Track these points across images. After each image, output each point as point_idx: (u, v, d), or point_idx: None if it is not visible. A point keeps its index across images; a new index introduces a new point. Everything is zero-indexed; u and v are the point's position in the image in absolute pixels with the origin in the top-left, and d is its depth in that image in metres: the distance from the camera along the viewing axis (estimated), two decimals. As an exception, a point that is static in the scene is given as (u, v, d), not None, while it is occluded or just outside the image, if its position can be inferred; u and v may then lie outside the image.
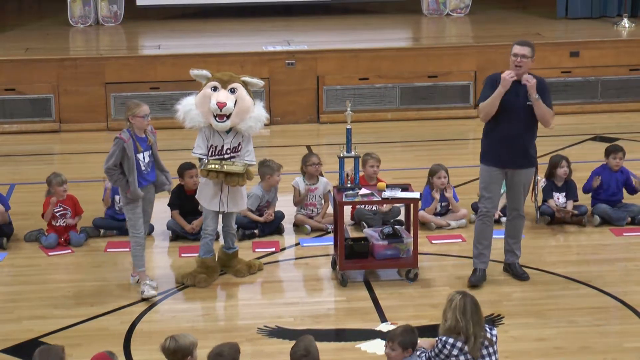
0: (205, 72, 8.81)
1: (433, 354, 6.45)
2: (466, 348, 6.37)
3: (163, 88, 13.77)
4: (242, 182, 8.80)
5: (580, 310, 8.39)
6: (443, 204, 10.29)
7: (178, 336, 6.44)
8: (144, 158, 8.63)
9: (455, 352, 6.36)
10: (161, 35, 15.50)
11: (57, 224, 9.92)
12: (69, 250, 9.79)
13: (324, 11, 16.78)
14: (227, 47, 14.33)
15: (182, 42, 14.87)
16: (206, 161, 8.72)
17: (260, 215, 10.05)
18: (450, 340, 6.39)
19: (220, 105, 8.63)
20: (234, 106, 8.66)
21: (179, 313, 8.51)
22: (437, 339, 6.47)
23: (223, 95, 8.67)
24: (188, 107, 8.76)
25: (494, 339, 6.48)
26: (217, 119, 8.67)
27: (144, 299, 8.64)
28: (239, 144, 8.85)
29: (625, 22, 15.24)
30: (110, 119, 13.79)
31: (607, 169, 10.33)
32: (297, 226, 10.20)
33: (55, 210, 9.92)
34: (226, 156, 8.80)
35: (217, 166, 8.67)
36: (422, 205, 9.88)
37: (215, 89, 8.72)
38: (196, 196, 8.93)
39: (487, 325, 6.50)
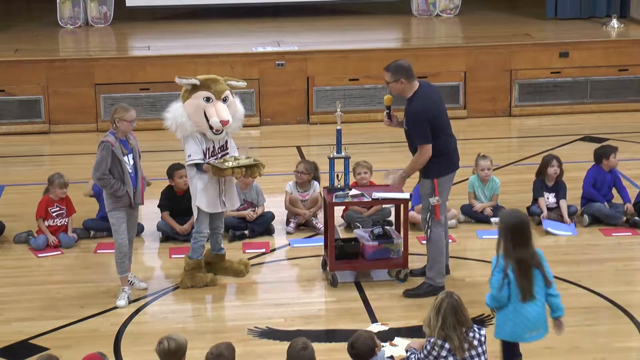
0: (193, 80, 8.76)
1: (422, 355, 6.44)
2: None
3: (153, 89, 13.76)
4: (262, 172, 8.90)
5: (570, 310, 8.36)
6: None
7: (173, 336, 6.47)
8: (128, 161, 8.61)
9: (444, 353, 6.35)
10: (151, 36, 15.49)
11: (53, 224, 9.90)
12: (59, 252, 9.76)
13: (314, 12, 16.78)
14: (216, 48, 14.33)
15: (171, 43, 14.86)
16: (214, 163, 8.66)
17: (242, 217, 10.04)
18: (439, 342, 6.36)
19: (225, 124, 8.66)
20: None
21: (169, 314, 8.50)
22: (426, 340, 6.46)
23: (224, 111, 8.68)
24: (180, 118, 8.67)
25: (483, 339, 6.47)
26: (214, 131, 8.68)
27: (130, 301, 8.63)
28: (226, 142, 8.88)
29: (614, 23, 15.28)
30: (99, 120, 13.77)
31: (600, 170, 10.35)
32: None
33: (52, 210, 9.91)
34: (219, 155, 8.81)
35: (232, 163, 8.66)
36: (412, 203, 9.87)
37: (208, 99, 8.70)
38: (196, 203, 8.83)
39: (475, 326, 6.47)
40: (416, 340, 6.87)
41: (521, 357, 7.04)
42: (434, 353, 6.37)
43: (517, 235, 6.72)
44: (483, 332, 6.51)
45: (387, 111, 8.78)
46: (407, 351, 6.71)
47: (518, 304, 6.74)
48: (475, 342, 6.41)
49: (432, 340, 6.39)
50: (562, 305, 6.87)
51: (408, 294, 8.73)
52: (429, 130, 8.46)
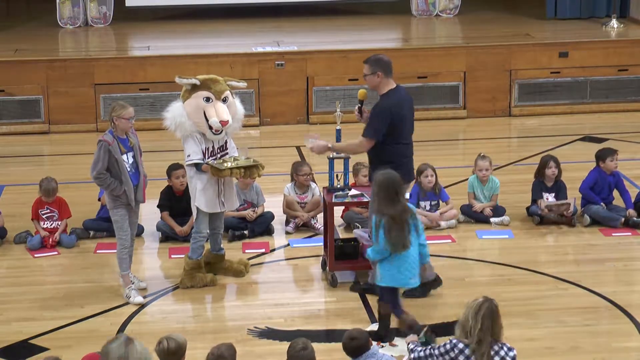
0: (193, 80, 8.76)
1: (437, 352, 6.25)
2: (473, 358, 6.12)
3: (152, 89, 13.76)
4: (260, 173, 8.89)
5: (569, 310, 8.41)
6: (433, 202, 10.29)
7: (173, 336, 6.47)
8: (127, 159, 8.60)
9: (461, 358, 6.15)
10: (150, 36, 15.49)
11: (44, 226, 9.89)
12: (55, 252, 9.75)
13: (314, 12, 16.78)
14: (216, 48, 14.33)
15: (171, 43, 14.86)
16: (212, 163, 8.66)
17: (242, 217, 10.04)
18: (460, 345, 6.16)
19: (224, 124, 8.65)
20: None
21: (169, 314, 8.50)
22: (449, 339, 6.27)
23: (223, 111, 8.66)
24: (180, 118, 8.67)
25: (508, 359, 6.18)
26: (213, 131, 8.67)
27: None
28: (225, 142, 8.88)
29: (614, 23, 15.28)
30: (99, 120, 13.77)
31: (602, 172, 10.33)
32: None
33: (42, 212, 9.90)
34: (218, 155, 8.81)
35: (231, 164, 8.66)
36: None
37: (208, 99, 8.69)
38: (195, 203, 8.83)
39: (506, 345, 6.21)
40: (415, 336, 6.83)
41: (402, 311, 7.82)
42: (452, 354, 6.16)
43: (389, 193, 7.52)
44: (512, 353, 6.20)
45: (359, 105, 8.77)
46: (408, 343, 6.63)
47: (398, 254, 7.55)
48: (497, 359, 6.16)
49: (454, 341, 6.18)
50: (428, 252, 7.83)
51: (356, 288, 8.75)
52: (383, 130, 8.39)
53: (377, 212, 7.56)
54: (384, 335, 7.88)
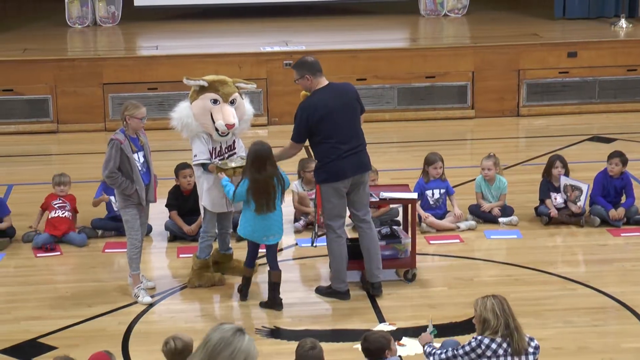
0: (201, 82, 8.74)
1: (462, 351, 6.23)
2: (500, 351, 6.15)
3: (161, 89, 13.78)
4: None
5: (578, 310, 8.39)
6: (442, 190, 10.26)
7: (179, 335, 6.47)
8: (138, 158, 8.60)
9: (488, 353, 6.16)
10: (159, 36, 15.51)
11: (55, 215, 9.91)
12: (58, 252, 9.74)
13: (322, 12, 16.79)
14: (224, 48, 14.34)
15: (179, 42, 14.88)
16: (217, 163, 8.66)
17: None
18: (486, 341, 6.17)
19: (230, 127, 8.64)
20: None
21: (177, 314, 8.51)
22: (472, 337, 6.27)
23: (230, 114, 8.64)
24: (186, 119, 8.65)
25: (530, 350, 6.23)
26: (220, 133, 8.66)
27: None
28: (234, 142, 8.88)
29: (623, 23, 15.26)
30: (108, 119, 13.79)
31: (607, 174, 10.31)
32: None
33: (54, 203, 9.96)
34: (226, 155, 8.81)
35: (236, 164, 8.66)
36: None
37: (215, 101, 8.68)
38: (202, 202, 8.83)
39: (527, 336, 6.28)
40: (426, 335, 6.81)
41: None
42: (478, 351, 6.17)
43: (257, 160, 8.21)
44: (534, 343, 6.28)
45: None
46: (424, 345, 6.60)
47: (263, 214, 8.26)
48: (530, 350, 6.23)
49: (478, 338, 6.19)
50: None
51: (317, 290, 8.77)
52: (304, 131, 8.42)
53: (246, 175, 8.26)
54: (240, 291, 8.64)
